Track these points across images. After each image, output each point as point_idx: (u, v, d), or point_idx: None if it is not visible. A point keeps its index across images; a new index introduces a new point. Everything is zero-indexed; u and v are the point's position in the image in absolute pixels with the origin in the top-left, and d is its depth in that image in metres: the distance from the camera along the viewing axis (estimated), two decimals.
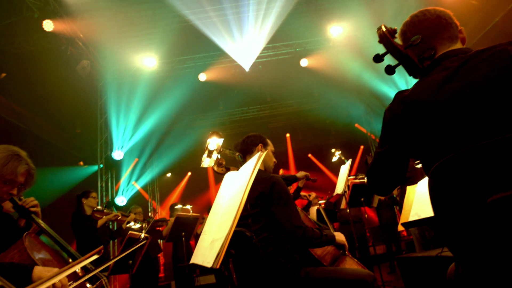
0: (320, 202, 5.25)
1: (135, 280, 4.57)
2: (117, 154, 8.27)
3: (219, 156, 1.75)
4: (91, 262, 2.22)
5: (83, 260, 1.18)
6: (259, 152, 1.36)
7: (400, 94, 1.30)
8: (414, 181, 2.92)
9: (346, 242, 2.36)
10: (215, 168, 2.22)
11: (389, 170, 1.33)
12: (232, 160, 2.39)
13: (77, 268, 1.02)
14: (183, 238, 4.55)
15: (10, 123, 7.88)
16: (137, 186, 9.89)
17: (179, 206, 5.50)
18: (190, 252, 4.86)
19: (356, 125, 12.43)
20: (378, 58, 1.40)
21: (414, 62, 1.38)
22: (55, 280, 0.81)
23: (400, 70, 1.46)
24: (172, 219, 4.78)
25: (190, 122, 10.98)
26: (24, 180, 1.99)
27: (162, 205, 11.44)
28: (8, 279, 1.14)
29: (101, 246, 1.19)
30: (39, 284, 0.78)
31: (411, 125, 1.22)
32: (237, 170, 2.21)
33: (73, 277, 2.06)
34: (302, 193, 4.25)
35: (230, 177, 1.64)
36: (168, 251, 6.59)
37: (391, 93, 9.10)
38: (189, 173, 12.15)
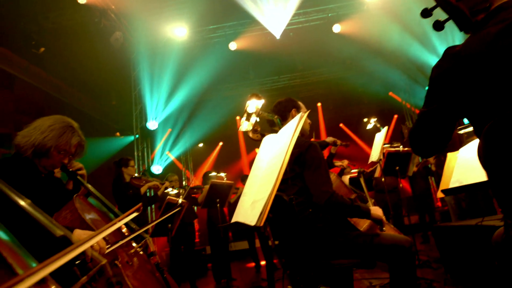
0: (352, 171, 5.20)
1: (174, 242, 4.79)
2: (151, 124, 8.50)
3: (258, 120, 1.74)
4: (135, 224, 2.34)
5: (123, 219, 1.20)
6: (301, 113, 1.34)
7: (451, 49, 1.22)
8: (453, 148, 2.81)
9: (383, 217, 2.22)
10: (250, 135, 2.23)
11: (435, 130, 1.28)
12: (265, 127, 2.38)
13: (116, 227, 1.06)
14: (218, 205, 4.69)
15: (51, 96, 8.24)
16: (171, 156, 10.19)
17: (213, 173, 5.63)
18: (224, 218, 5.02)
19: (391, 93, 12.00)
20: (426, 13, 1.31)
21: (466, 15, 1.29)
22: (93, 242, 0.86)
23: (442, 34, 1.36)
24: (207, 186, 4.92)
25: (221, 92, 11.01)
26: (75, 151, 2.11)
27: (196, 175, 11.77)
28: (49, 242, 1.21)
29: (140, 204, 1.23)
30: (76, 247, 0.84)
31: (463, 81, 1.15)
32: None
33: (120, 236, 2.19)
34: (335, 161, 4.22)
35: (269, 140, 1.64)
36: (202, 218, 6.84)
37: (430, 59, 8.63)
38: (221, 143, 12.33)
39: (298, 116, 1.33)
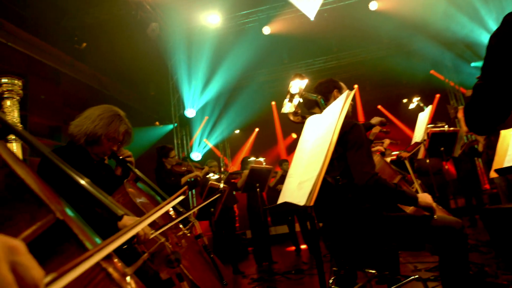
0: (393, 153, 5.04)
1: (216, 226, 4.93)
2: (189, 112, 8.69)
3: (301, 100, 1.72)
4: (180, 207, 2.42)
5: (171, 201, 1.21)
6: (347, 91, 1.31)
7: (511, 16, 1.14)
8: (507, 125, 2.64)
9: (433, 204, 2.04)
10: (291, 117, 2.21)
11: (493, 105, 1.21)
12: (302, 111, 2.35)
13: (165, 210, 1.09)
14: (258, 189, 4.75)
15: (94, 90, 8.62)
16: (209, 144, 10.40)
17: (252, 158, 5.69)
18: (263, 202, 5.07)
19: (432, 72, 11.41)
20: None
21: None
22: (150, 221, 0.91)
23: (491, 7, 1.26)
24: (246, 171, 4.98)
25: (256, 78, 11.00)
26: (123, 138, 2.21)
27: (233, 161, 11.95)
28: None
29: (186, 187, 1.26)
30: (135, 226, 0.88)
31: None
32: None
33: (168, 219, 2.28)
34: (374, 144, 4.10)
35: (313, 121, 1.63)
36: (241, 203, 6.95)
37: (479, 34, 8.07)
38: (257, 129, 12.38)
39: (344, 94, 1.31)
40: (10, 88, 3.09)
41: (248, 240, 8.07)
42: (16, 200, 0.73)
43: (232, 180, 5.73)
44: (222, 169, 10.68)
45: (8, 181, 0.73)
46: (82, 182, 1.10)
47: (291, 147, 12.23)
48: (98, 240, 1.01)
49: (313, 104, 2.55)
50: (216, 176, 4.42)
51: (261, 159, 5.76)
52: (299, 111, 2.23)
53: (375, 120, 3.42)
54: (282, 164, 6.97)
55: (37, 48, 7.06)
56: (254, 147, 12.23)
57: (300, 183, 1.38)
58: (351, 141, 2.05)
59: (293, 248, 7.18)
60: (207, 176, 4.50)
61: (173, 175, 4.69)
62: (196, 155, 8.35)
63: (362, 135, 2.10)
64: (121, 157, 2.26)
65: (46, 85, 7.42)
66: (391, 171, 2.38)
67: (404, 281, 2.20)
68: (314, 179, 1.19)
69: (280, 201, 1.51)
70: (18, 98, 3.20)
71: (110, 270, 0.74)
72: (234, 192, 5.90)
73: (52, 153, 1.07)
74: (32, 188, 0.74)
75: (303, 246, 7.13)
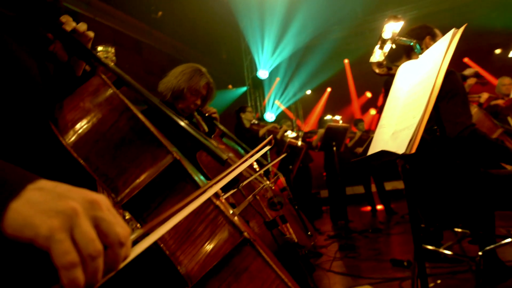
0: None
1: (294, 183, 5.03)
2: (262, 73, 8.71)
3: (393, 46, 1.61)
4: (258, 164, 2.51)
5: (257, 151, 1.21)
6: (453, 30, 1.20)
7: None
8: None
9: None
10: (376, 70, 2.10)
11: None
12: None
13: (253, 160, 1.13)
14: (334, 148, 4.70)
15: (171, 57, 9.04)
16: (281, 106, 10.40)
17: (329, 117, 5.60)
18: (341, 161, 5.01)
19: None
20: None
21: None
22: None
23: None
24: (322, 130, 4.93)
25: (328, 35, 10.52)
26: (206, 92, 2.33)
27: (305, 122, 11.86)
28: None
29: (271, 136, 1.28)
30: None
31: None
32: (389, 77, 2.04)
33: (254, 172, 2.40)
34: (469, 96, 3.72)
35: (407, 67, 1.53)
36: (316, 163, 6.94)
37: None
38: (329, 89, 12.02)
39: (448, 34, 1.20)
40: (105, 55, 3.42)
41: (323, 199, 8.13)
42: (140, 141, 0.82)
43: (308, 140, 5.74)
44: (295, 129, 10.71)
45: (131, 124, 0.82)
46: (182, 123, 1.18)
47: (366, 106, 11.70)
48: (202, 177, 1.10)
49: (400, 54, 2.39)
50: (294, 134, 4.46)
51: (338, 117, 5.63)
52: (384, 62, 2.11)
53: (468, 71, 3.11)
54: (358, 124, 6.74)
55: (120, 21, 7.55)
56: (326, 108, 11.94)
57: (394, 133, 1.34)
58: (445, 89, 1.89)
59: (369, 208, 7.08)
60: (285, 134, 4.56)
61: (251, 132, 4.86)
62: (270, 116, 8.45)
63: (458, 83, 1.93)
64: (207, 114, 2.39)
65: (129, 55, 7.98)
66: (491, 124, 2.17)
67: (501, 243, 2.06)
68: (414, 126, 1.14)
69: (371, 152, 1.48)
70: (112, 64, 3.53)
71: (222, 208, 0.82)
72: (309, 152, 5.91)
73: (161, 103, 1.17)
74: (152, 130, 0.82)
75: (379, 207, 6.98)
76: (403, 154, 1.13)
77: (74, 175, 0.82)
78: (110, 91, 0.83)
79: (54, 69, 1.04)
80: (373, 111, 11.36)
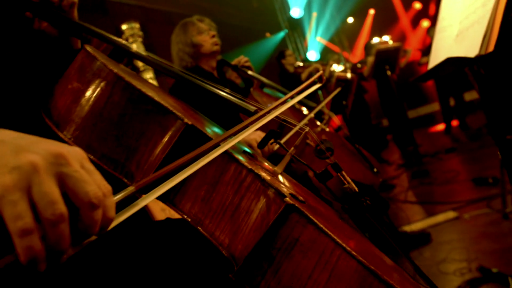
0: None
1: (352, 117, 4.74)
2: (295, 12, 8.15)
3: None
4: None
5: (306, 88, 1.05)
6: None
7: None
8: None
9: None
10: None
11: None
12: None
13: (302, 96, 0.97)
14: (388, 72, 4.27)
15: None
16: (323, 41, 9.74)
17: (376, 40, 5.06)
18: (398, 84, 4.55)
19: None
20: None
21: None
22: (281, 110, 0.81)
23: None
24: (371, 57, 4.50)
25: None
26: (208, 28, 2.32)
27: (353, 53, 11.06)
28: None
29: (320, 72, 1.08)
30: (268, 112, 0.78)
31: None
32: None
33: (302, 116, 2.22)
34: None
35: None
36: (371, 93, 6.47)
37: None
38: (372, 11, 10.94)
39: None
40: (131, 33, 3.37)
41: (386, 128, 7.71)
42: (142, 113, 0.69)
43: (358, 71, 5.31)
44: (343, 62, 10.08)
45: (127, 94, 0.69)
46: (222, 93, 1.06)
47: (416, 19, 10.50)
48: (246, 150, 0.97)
49: None
50: (341, 67, 4.11)
51: (386, 37, 5.06)
52: None
53: None
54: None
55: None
56: (373, 32, 10.95)
57: (459, 33, 1.07)
58: None
59: (440, 127, 6.54)
60: (331, 69, 4.23)
61: (297, 75, 4.58)
62: (311, 54, 7.93)
63: None
64: (239, 65, 2.22)
65: (163, 29, 7.88)
66: None
67: None
68: (487, 17, 0.87)
69: (432, 63, 1.22)
70: (140, 39, 3.47)
71: (259, 171, 0.68)
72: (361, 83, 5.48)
73: (182, 70, 1.06)
74: (151, 96, 0.69)
75: (455, 123, 6.38)
76: (477, 57, 0.88)
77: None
78: (97, 63, 0.71)
79: (50, 48, 0.93)
80: (426, 23, 10.15)
